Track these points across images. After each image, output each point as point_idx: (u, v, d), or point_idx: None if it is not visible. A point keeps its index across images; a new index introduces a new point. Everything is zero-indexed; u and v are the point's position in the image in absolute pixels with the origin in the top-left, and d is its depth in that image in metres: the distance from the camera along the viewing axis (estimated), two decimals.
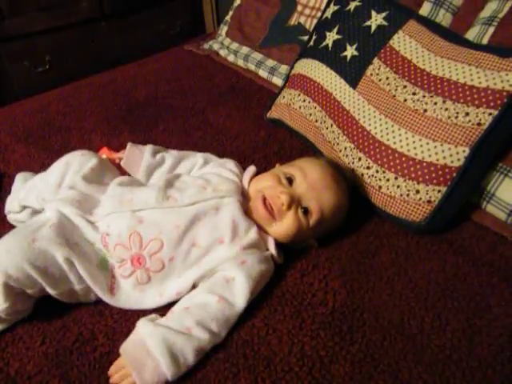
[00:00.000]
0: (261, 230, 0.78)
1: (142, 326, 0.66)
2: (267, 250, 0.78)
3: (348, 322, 0.70)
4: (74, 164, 0.82)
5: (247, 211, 0.78)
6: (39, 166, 1.02)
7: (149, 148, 0.91)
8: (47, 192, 0.80)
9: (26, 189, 0.85)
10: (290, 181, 0.80)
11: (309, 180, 0.80)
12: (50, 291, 0.68)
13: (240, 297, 0.70)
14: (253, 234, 0.76)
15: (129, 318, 0.71)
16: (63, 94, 1.36)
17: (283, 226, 0.78)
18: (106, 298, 0.71)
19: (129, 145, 0.92)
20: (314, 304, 0.73)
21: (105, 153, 0.97)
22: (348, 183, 0.86)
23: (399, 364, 0.65)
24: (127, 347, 0.64)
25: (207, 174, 0.85)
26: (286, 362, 0.65)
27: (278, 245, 0.79)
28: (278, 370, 0.64)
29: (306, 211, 0.78)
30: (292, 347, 0.67)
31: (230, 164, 0.89)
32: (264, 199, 0.78)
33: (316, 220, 0.79)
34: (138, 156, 0.90)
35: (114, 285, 0.72)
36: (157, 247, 0.72)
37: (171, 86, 1.38)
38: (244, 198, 0.80)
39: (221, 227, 0.74)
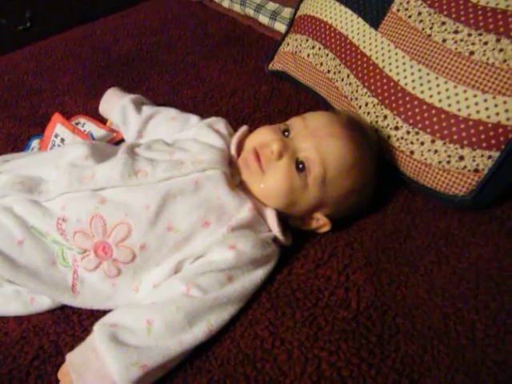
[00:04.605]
0: (258, 203, 0.67)
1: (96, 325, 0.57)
2: (269, 231, 0.66)
3: (377, 329, 0.58)
4: None
5: (238, 183, 0.68)
6: (5, 136, 0.95)
7: (133, 95, 0.89)
8: None
9: None
10: (288, 132, 0.70)
11: (310, 127, 0.69)
12: None
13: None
14: (245, 211, 0.64)
15: None
16: (34, 51, 1.26)
17: (270, 180, 0.66)
18: (67, 300, 0.62)
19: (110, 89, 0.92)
20: (332, 305, 0.61)
21: (58, 120, 0.84)
22: (374, 143, 0.74)
23: None
24: (73, 351, 0.56)
25: (186, 142, 0.73)
26: None
27: (284, 223, 0.68)
28: None
29: (302, 166, 0.66)
30: (306, 365, 0.55)
31: (220, 124, 0.77)
32: (256, 152, 0.68)
33: (316, 176, 0.66)
34: (116, 98, 0.88)
35: (77, 281, 0.62)
36: (123, 233, 0.61)
37: (157, 37, 1.29)
38: (233, 168, 0.69)
39: (203, 207, 0.63)
